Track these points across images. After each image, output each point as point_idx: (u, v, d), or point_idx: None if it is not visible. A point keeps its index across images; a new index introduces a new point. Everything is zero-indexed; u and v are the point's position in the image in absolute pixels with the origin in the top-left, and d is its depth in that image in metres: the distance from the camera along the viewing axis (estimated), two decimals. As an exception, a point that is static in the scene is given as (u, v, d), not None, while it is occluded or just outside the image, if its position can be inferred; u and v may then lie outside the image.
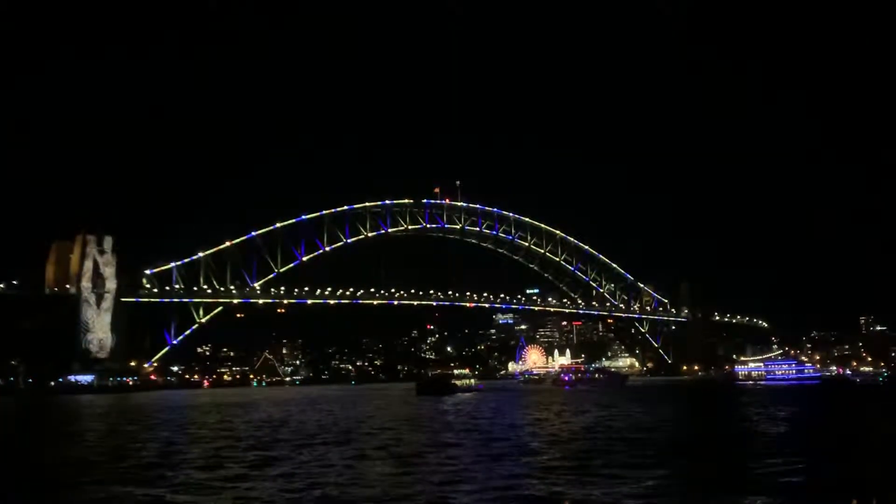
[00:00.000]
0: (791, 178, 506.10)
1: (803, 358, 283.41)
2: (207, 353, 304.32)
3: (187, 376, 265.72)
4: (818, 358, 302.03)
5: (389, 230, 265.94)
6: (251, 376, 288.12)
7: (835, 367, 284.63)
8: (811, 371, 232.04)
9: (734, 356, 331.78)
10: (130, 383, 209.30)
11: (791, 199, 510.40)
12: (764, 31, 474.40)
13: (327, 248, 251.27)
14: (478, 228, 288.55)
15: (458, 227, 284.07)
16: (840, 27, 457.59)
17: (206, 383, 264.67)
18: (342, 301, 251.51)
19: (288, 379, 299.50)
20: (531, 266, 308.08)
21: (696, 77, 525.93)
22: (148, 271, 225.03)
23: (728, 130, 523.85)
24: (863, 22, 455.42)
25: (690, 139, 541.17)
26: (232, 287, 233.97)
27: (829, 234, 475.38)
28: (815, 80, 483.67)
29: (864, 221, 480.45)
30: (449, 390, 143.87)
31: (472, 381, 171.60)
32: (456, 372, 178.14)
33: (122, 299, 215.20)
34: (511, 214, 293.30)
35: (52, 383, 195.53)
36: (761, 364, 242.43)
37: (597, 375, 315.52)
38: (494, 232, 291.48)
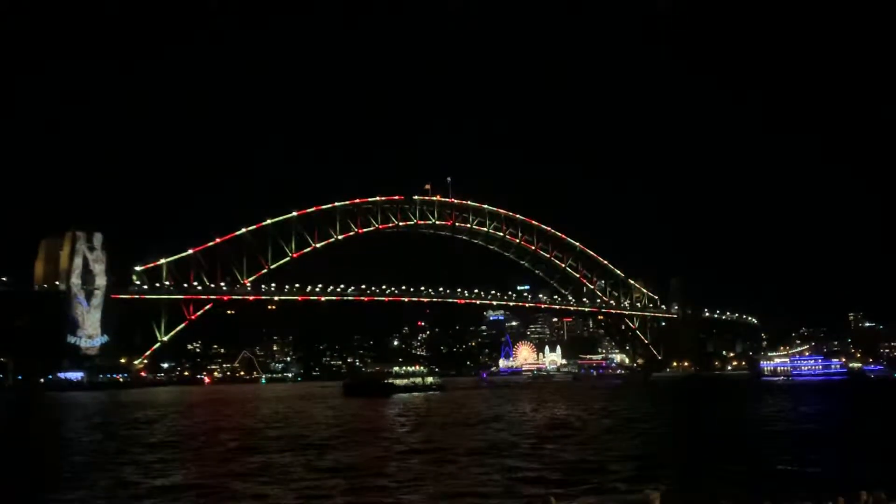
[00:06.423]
0: (780, 176, 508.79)
1: (835, 348, 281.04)
2: (198, 350, 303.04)
3: (186, 374, 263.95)
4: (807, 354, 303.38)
5: (380, 227, 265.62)
6: (240, 373, 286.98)
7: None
8: (838, 366, 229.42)
9: (724, 352, 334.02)
10: (121, 380, 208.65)
11: (780, 198, 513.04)
12: (756, 34, 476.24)
13: (318, 245, 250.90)
14: (468, 225, 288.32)
15: (448, 223, 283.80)
16: (833, 30, 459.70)
17: (207, 380, 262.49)
18: (333, 298, 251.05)
19: (290, 375, 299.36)
20: (522, 262, 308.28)
21: (689, 77, 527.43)
22: (138, 268, 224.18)
23: (721, 129, 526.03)
24: (855, 25, 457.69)
25: (682, 136, 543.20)
26: (222, 284, 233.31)
27: (817, 231, 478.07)
28: (812, 80, 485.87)
29: (853, 219, 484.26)
30: (384, 391, 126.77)
31: (431, 379, 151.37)
32: (408, 369, 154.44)
33: (112, 296, 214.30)
34: (502, 211, 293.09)
35: (42, 380, 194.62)
36: (787, 359, 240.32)
37: (619, 371, 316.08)
38: (485, 229, 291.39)
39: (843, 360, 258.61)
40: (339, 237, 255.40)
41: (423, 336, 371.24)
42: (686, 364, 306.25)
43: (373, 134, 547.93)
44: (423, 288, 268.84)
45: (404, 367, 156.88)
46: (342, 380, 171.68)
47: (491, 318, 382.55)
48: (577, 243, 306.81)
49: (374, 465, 37.77)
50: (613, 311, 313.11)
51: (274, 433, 57.23)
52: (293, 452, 43.69)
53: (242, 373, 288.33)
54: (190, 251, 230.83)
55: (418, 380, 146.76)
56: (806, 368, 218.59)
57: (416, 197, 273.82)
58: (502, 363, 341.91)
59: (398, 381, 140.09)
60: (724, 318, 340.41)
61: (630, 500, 25.99)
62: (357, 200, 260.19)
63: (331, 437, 53.38)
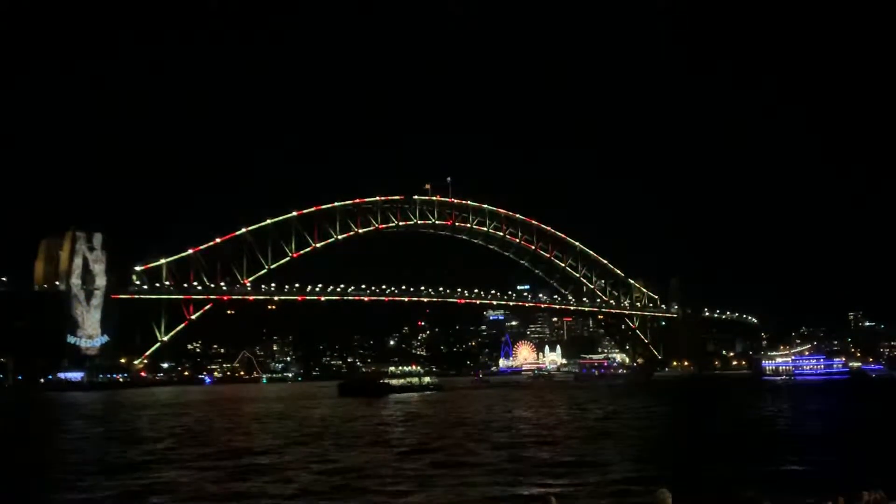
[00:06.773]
0: (780, 177, 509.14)
1: (835, 347, 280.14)
2: (198, 350, 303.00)
3: (186, 374, 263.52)
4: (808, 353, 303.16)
5: (380, 227, 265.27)
6: (240, 373, 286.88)
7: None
8: (840, 366, 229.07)
9: (724, 352, 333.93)
10: (121, 380, 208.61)
11: (781, 198, 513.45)
12: (756, 33, 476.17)
13: (318, 245, 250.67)
14: (468, 225, 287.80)
15: (448, 223, 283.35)
16: (833, 30, 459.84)
17: (210, 380, 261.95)
18: (333, 298, 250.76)
19: (290, 374, 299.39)
20: (522, 262, 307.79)
21: (689, 76, 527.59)
22: (138, 268, 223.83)
23: (721, 130, 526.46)
24: (855, 24, 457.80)
25: (682, 136, 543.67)
26: (222, 284, 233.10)
27: (817, 230, 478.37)
28: (811, 80, 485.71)
29: (853, 219, 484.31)
30: (379, 391, 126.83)
31: (428, 379, 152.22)
32: (404, 369, 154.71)
33: (112, 296, 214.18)
34: (502, 211, 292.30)
35: (42, 380, 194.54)
36: (788, 359, 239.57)
37: (621, 370, 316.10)
38: (485, 229, 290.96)
39: (844, 359, 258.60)
40: (339, 237, 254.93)
41: (423, 336, 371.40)
42: (686, 364, 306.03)
43: (373, 134, 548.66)
44: (423, 288, 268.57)
45: (400, 367, 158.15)
46: (342, 379, 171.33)
47: (491, 318, 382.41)
48: (577, 243, 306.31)
49: (370, 465, 37.75)
50: (613, 311, 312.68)
51: (272, 433, 57.24)
52: (290, 452, 43.71)
53: (242, 373, 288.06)
54: (190, 251, 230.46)
55: (415, 380, 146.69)
56: (808, 368, 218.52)
57: (416, 197, 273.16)
58: (502, 363, 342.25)
59: (394, 382, 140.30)
60: (724, 317, 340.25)
61: (639, 501, 25.95)
62: (357, 200, 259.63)
63: (324, 437, 53.35)
